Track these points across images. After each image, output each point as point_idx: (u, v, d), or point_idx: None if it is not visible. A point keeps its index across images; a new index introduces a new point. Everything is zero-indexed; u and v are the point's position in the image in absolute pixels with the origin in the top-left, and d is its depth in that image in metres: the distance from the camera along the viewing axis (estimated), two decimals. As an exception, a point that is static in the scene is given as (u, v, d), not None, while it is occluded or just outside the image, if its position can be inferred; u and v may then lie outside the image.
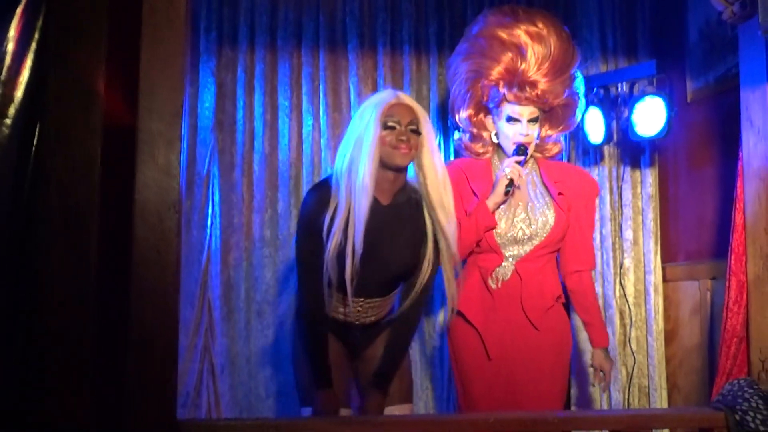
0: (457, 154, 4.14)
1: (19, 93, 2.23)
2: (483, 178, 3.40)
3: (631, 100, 4.06)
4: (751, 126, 3.02)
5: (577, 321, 3.67)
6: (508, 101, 3.35)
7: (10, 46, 2.24)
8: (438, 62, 4.43)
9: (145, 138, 2.27)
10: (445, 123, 4.40)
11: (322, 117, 4.26)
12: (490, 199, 3.27)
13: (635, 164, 4.39)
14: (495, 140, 3.45)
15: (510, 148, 3.36)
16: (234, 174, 4.18)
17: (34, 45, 2.26)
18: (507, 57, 3.38)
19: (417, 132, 2.95)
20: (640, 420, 2.66)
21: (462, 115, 3.52)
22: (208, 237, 4.15)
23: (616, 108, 4.21)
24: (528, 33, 3.39)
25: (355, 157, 2.92)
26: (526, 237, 3.31)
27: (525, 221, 3.32)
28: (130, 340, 2.20)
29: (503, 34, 3.40)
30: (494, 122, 3.44)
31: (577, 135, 4.34)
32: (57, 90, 2.22)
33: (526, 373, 3.24)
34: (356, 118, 3.02)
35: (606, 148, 4.36)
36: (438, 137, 4.36)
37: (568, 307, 3.47)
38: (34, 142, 2.25)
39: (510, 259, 3.33)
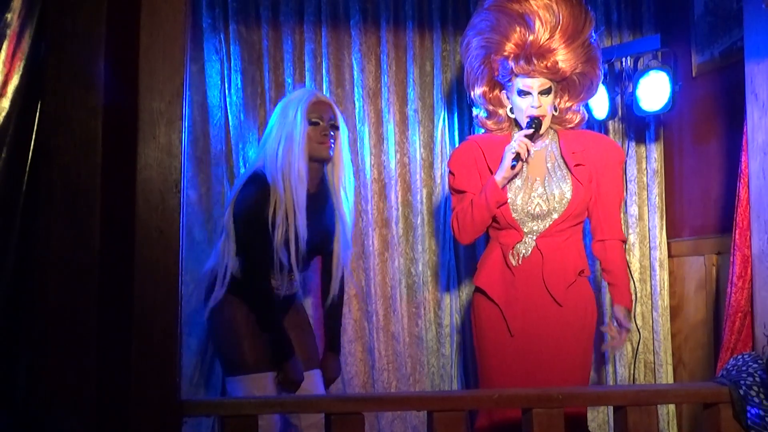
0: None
1: (18, 73, 2.23)
2: (500, 153, 3.34)
3: (635, 75, 4.03)
4: (756, 99, 3.00)
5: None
6: (518, 74, 3.31)
7: (11, 25, 2.23)
8: (441, 38, 4.39)
9: (145, 118, 2.26)
10: (449, 99, 4.39)
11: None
12: (498, 173, 3.25)
13: (640, 139, 4.37)
14: (511, 115, 3.42)
15: (524, 122, 3.34)
16: (243, 151, 4.17)
17: (33, 24, 2.25)
18: (515, 30, 3.32)
19: (336, 127, 3.39)
20: (643, 395, 2.66)
21: (477, 92, 3.49)
22: (219, 215, 4.13)
23: (620, 83, 4.18)
24: (535, 3, 3.31)
25: (286, 152, 3.30)
26: (543, 212, 3.28)
27: (542, 196, 3.29)
28: (133, 320, 2.21)
29: (510, 6, 3.34)
30: (508, 97, 3.41)
31: (581, 110, 4.32)
32: (56, 70, 2.21)
33: (549, 349, 3.22)
34: (279, 116, 3.41)
35: (610, 124, 4.34)
36: (443, 113, 4.36)
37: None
38: (35, 123, 2.25)
39: (530, 235, 3.30)
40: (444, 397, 2.69)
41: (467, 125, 4.40)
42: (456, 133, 4.38)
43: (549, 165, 3.36)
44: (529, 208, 3.28)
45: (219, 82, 4.17)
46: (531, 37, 3.30)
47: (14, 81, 2.23)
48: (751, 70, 3.04)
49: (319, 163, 3.42)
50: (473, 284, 3.44)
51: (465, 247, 4.34)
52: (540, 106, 3.30)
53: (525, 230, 3.30)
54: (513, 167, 3.23)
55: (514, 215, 3.29)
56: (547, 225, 3.29)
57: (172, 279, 2.26)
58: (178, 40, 2.30)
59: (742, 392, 2.71)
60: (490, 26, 3.39)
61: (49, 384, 2.11)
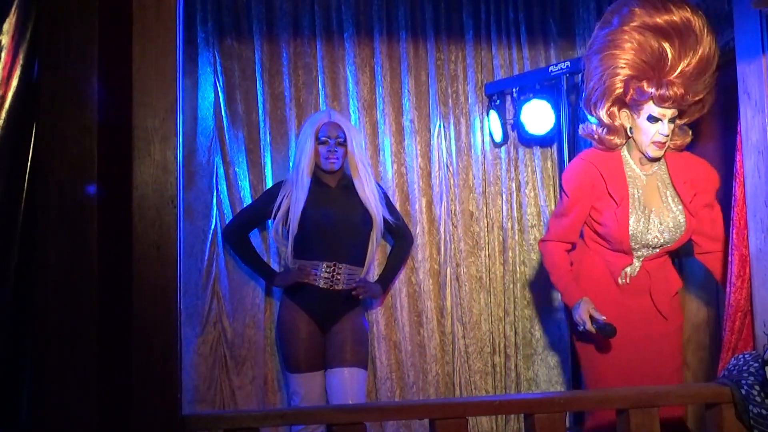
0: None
1: (11, 93, 2.24)
2: (618, 177, 3.37)
3: (629, 78, 4.03)
4: (749, 99, 3.00)
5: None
6: (652, 101, 3.30)
7: (4, 47, 2.25)
8: (435, 47, 4.42)
9: (140, 135, 2.28)
10: (445, 108, 4.40)
11: (321, 106, 4.26)
12: (576, 311, 3.26)
13: (636, 142, 4.37)
14: (630, 134, 3.40)
15: (645, 144, 3.34)
16: (238, 163, 4.19)
17: (26, 45, 2.28)
18: (654, 55, 3.30)
19: (343, 144, 3.87)
20: (645, 397, 2.65)
21: (601, 111, 3.41)
22: (212, 227, 4.16)
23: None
24: (674, 28, 3.28)
25: (297, 164, 3.89)
26: (659, 243, 3.36)
27: (659, 228, 3.34)
28: (133, 336, 2.22)
29: (649, 30, 3.29)
30: (633, 116, 3.37)
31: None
32: (50, 89, 2.22)
33: (655, 357, 3.36)
34: (300, 133, 3.98)
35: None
36: (439, 122, 4.38)
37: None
38: (32, 143, 2.27)
39: (638, 259, 3.39)
40: (445, 405, 2.69)
41: (463, 134, 4.41)
42: (453, 141, 4.40)
43: (661, 194, 3.40)
44: (647, 239, 3.34)
45: (213, 96, 4.19)
46: (668, 66, 3.30)
47: (10, 101, 2.26)
48: (743, 70, 3.04)
49: (331, 174, 3.90)
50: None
51: (465, 254, 4.34)
52: (667, 135, 3.33)
53: (635, 255, 3.37)
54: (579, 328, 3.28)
55: (632, 244, 3.35)
56: (657, 251, 3.39)
57: (171, 294, 2.27)
58: (169, 57, 2.31)
59: (743, 392, 2.70)
60: (623, 46, 3.33)
61: (51, 401, 2.12)
